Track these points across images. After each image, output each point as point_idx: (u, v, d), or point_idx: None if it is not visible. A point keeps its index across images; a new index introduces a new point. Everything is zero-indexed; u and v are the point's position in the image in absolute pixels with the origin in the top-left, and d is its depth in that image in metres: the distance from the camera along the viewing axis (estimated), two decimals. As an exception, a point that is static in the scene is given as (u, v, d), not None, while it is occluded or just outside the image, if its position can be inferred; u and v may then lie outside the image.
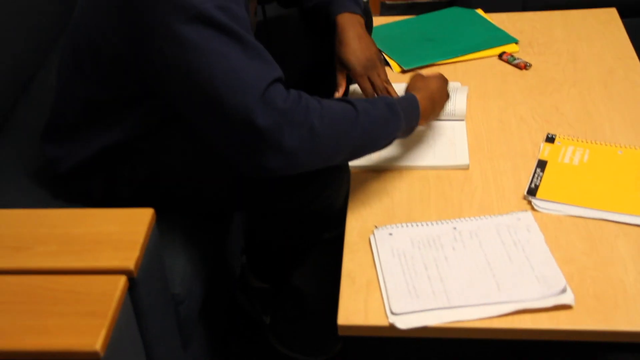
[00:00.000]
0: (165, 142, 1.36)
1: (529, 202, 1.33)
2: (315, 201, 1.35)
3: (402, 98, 1.34)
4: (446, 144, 1.47)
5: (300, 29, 1.63)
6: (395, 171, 1.43)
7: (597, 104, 1.56)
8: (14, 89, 1.66)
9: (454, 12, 1.90)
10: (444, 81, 1.45)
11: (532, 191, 1.34)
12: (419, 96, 1.35)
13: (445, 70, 1.69)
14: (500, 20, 1.86)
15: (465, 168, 1.42)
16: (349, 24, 1.45)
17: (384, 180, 1.41)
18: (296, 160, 1.15)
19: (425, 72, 1.61)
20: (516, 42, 1.76)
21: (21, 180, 1.45)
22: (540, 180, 1.36)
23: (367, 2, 2.90)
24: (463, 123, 1.52)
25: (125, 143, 1.36)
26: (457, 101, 1.52)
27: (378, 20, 1.87)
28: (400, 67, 1.71)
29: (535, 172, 1.38)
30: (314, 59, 1.63)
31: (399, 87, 1.48)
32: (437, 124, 1.51)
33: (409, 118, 1.31)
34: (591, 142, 1.44)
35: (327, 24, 1.49)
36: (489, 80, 1.66)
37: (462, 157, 1.43)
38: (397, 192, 1.39)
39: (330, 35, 1.48)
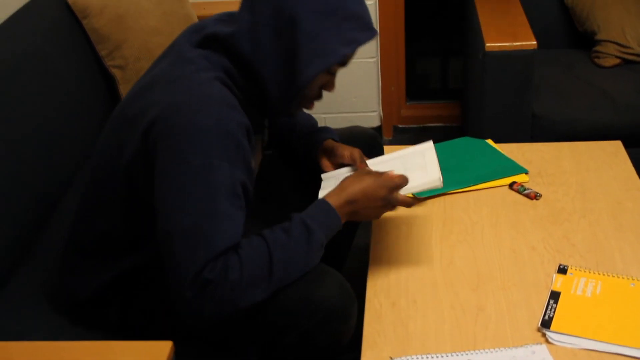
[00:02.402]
0: None
1: (543, 335, 1.33)
2: (321, 336, 1.34)
3: (316, 209, 1.35)
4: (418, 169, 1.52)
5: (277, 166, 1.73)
6: (409, 300, 1.44)
7: (608, 235, 1.59)
8: (36, 217, 1.71)
9: (465, 142, 1.97)
10: (373, 182, 1.41)
11: (546, 323, 1.35)
12: (335, 203, 1.36)
13: (457, 199, 1.74)
14: (510, 150, 1.92)
15: (438, 184, 1.46)
16: (335, 142, 1.63)
17: (398, 309, 1.42)
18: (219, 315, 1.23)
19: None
20: (526, 172, 1.81)
21: (40, 307, 1.48)
22: (554, 312, 1.37)
23: (379, 127, 2.99)
24: (433, 151, 1.57)
25: (140, 270, 1.40)
26: (429, 168, 1.52)
27: (391, 149, 1.93)
28: (414, 195, 1.75)
29: (548, 303, 1.39)
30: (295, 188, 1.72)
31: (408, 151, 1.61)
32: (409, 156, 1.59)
33: (326, 227, 1.33)
34: (603, 274, 1.45)
35: (309, 152, 1.63)
36: (500, 210, 1.70)
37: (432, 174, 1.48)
38: (411, 321, 1.40)
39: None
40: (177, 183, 1.21)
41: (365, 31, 1.33)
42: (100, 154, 1.41)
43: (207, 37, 1.34)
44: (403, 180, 1.42)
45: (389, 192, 1.40)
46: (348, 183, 1.39)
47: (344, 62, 1.35)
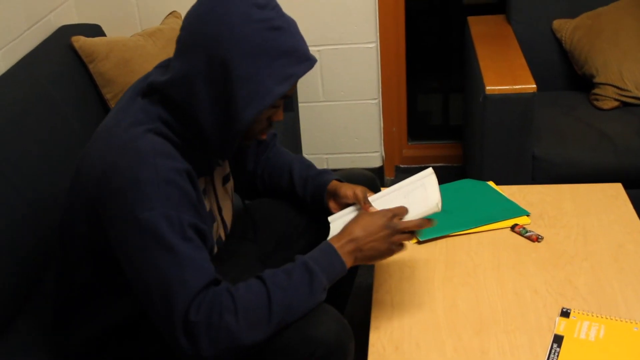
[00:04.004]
0: None
1: (547, 379, 1.33)
2: None
3: (319, 252, 1.36)
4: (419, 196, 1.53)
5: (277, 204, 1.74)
6: (412, 343, 1.44)
7: (610, 278, 1.59)
8: (37, 265, 1.72)
9: (467, 185, 1.98)
10: (376, 221, 1.42)
11: (549, 367, 1.35)
12: (337, 244, 1.37)
13: (458, 241, 1.75)
14: (511, 192, 1.93)
15: (436, 209, 1.45)
16: (338, 183, 1.62)
17: (402, 353, 1.42)
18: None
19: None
20: (527, 214, 1.83)
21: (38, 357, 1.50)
22: (558, 357, 1.37)
23: (381, 167, 3.01)
24: (432, 177, 1.55)
25: (129, 320, 1.41)
26: (430, 194, 1.52)
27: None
28: (416, 238, 1.76)
29: (551, 347, 1.40)
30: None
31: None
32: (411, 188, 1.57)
33: (329, 270, 1.33)
34: (606, 318, 1.45)
35: (316, 196, 1.63)
36: (502, 252, 1.70)
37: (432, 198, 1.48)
38: (414, 365, 1.40)
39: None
40: (133, 241, 1.23)
41: (301, 63, 1.30)
42: (63, 216, 1.42)
43: (148, 85, 1.34)
44: (401, 209, 1.45)
45: (388, 220, 1.41)
46: (348, 224, 1.42)
47: (285, 95, 1.32)
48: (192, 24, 1.29)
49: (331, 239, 1.40)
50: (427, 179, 1.57)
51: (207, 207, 1.43)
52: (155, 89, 1.32)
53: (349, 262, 1.37)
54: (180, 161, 1.28)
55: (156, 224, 1.21)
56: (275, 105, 1.34)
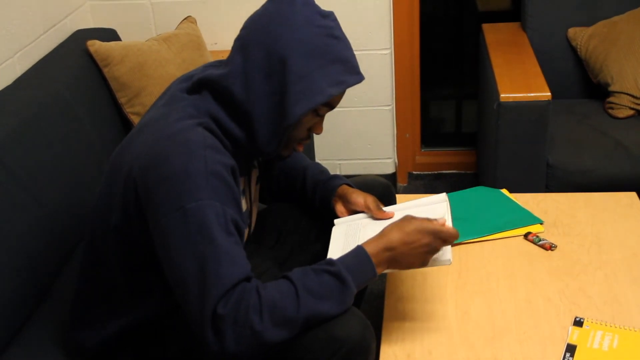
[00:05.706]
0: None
1: (560, 389, 1.32)
2: None
3: (353, 258, 1.34)
4: None
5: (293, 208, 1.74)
6: (425, 351, 1.44)
7: (624, 287, 1.58)
8: (52, 265, 1.73)
9: (480, 192, 1.97)
10: (415, 229, 1.36)
11: (562, 377, 1.34)
12: (373, 251, 1.34)
13: (471, 248, 1.74)
14: (525, 200, 1.92)
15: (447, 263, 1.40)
16: (350, 188, 1.62)
17: (413, 361, 1.42)
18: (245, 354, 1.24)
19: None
20: (541, 222, 1.82)
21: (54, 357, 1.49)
22: (570, 366, 1.36)
23: (394, 173, 3.01)
24: (446, 205, 1.52)
25: (148, 321, 1.41)
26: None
27: (404, 198, 1.94)
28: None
29: (564, 357, 1.39)
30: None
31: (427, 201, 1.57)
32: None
33: (361, 277, 1.32)
34: (620, 327, 1.44)
35: (324, 199, 1.63)
36: (515, 261, 1.69)
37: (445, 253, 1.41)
38: (426, 373, 1.39)
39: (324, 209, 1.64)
40: (176, 229, 1.23)
41: (353, 75, 1.36)
42: (96, 208, 1.43)
43: (196, 82, 1.37)
44: (455, 235, 1.38)
45: (431, 239, 1.35)
46: (389, 229, 1.37)
47: (331, 104, 1.37)
48: (256, 23, 1.35)
49: (368, 242, 1.35)
50: (440, 205, 1.54)
51: (244, 208, 1.45)
52: (206, 84, 1.36)
53: (380, 270, 1.36)
54: (228, 156, 1.31)
55: (202, 215, 1.22)
56: (320, 114, 1.39)
